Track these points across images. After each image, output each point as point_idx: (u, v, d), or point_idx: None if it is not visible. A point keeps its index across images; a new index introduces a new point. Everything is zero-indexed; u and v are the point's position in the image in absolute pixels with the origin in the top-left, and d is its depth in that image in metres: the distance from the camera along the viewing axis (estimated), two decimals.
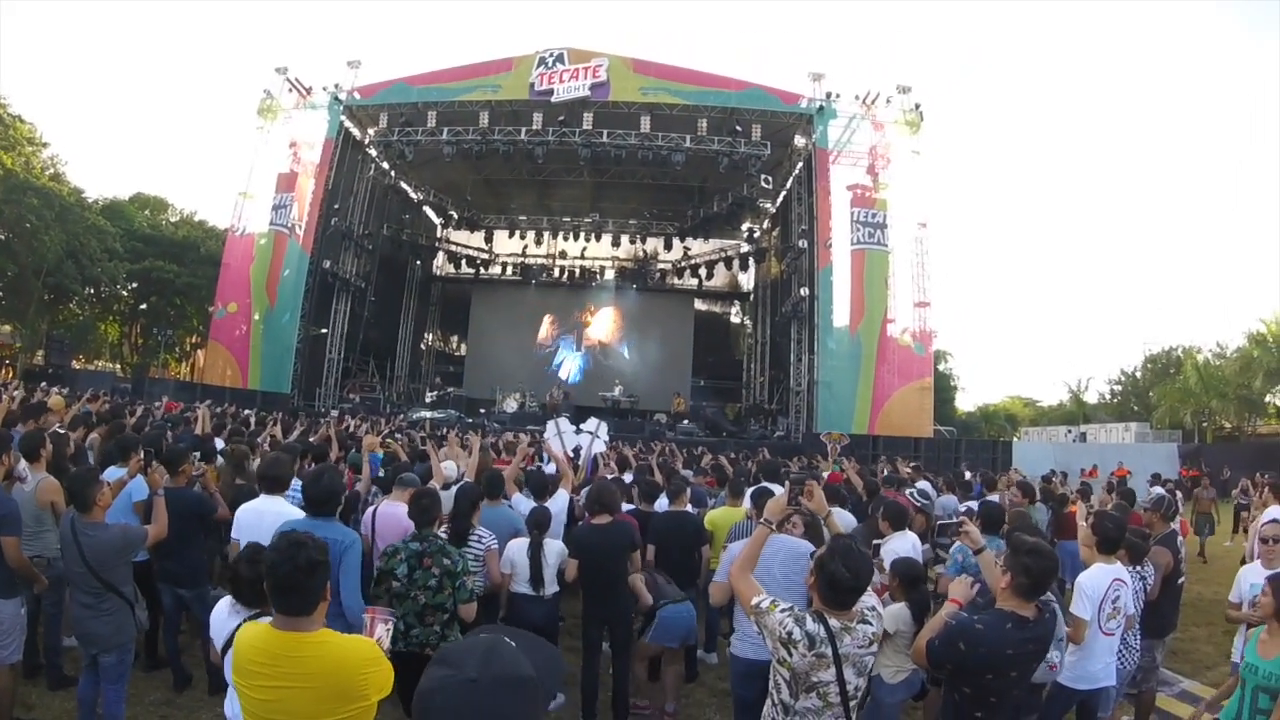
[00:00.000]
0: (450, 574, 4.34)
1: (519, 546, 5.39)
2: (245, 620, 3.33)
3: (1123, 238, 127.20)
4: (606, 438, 11.00)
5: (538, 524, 5.43)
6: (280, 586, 2.53)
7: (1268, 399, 34.90)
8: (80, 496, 4.49)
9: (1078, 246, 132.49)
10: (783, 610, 3.01)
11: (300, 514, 4.72)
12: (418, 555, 4.34)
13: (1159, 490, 11.11)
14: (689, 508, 6.55)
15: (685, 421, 25.78)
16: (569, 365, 31.86)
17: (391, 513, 5.36)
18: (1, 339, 34.24)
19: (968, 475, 13.27)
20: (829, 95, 24.30)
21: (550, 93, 24.50)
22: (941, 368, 45.28)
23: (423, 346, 35.08)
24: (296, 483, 5.45)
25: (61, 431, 7.47)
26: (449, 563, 4.36)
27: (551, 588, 5.42)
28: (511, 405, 25.57)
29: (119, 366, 40.30)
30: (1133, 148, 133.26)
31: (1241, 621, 4.91)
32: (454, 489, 5.71)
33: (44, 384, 14.98)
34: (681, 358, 31.27)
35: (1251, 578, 4.86)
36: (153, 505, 4.88)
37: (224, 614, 3.51)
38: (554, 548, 5.49)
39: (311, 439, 9.72)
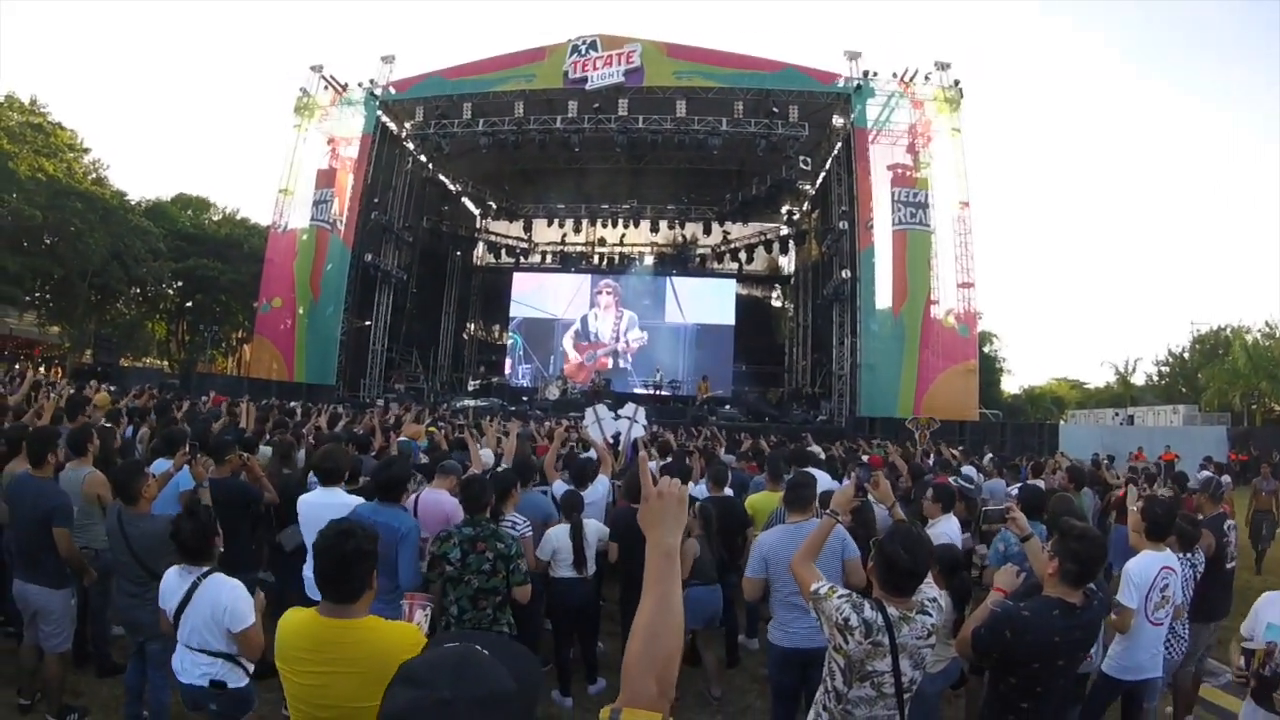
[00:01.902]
0: (504, 557, 4.37)
1: (560, 531, 5.42)
2: (195, 580, 3.50)
3: (1171, 215, 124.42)
4: (645, 422, 11.00)
5: (571, 507, 5.47)
6: (326, 575, 2.59)
7: None
8: (126, 489, 4.59)
9: (1125, 224, 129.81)
10: (840, 596, 2.97)
11: (356, 501, 4.83)
12: (471, 540, 4.37)
13: (1206, 473, 10.87)
14: (727, 493, 6.52)
15: (727, 407, 25.68)
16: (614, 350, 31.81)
17: (434, 499, 5.41)
18: (50, 340, 35.01)
19: (987, 458, 13.08)
20: (866, 74, 24.00)
21: (584, 80, 24.45)
22: (986, 350, 44.61)
23: (465, 336, 35.25)
24: None
25: (109, 426, 7.62)
26: (502, 546, 4.38)
27: (591, 568, 5.45)
28: (554, 393, 25.62)
29: (166, 363, 41.15)
30: (1182, 123, 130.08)
31: (1239, 681, 3.63)
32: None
33: (92, 382, 15.25)
34: (722, 342, 31.06)
35: (1272, 615, 3.61)
36: (199, 496, 4.98)
37: (174, 578, 3.61)
38: (593, 528, 5.58)
39: (357, 429, 9.82)
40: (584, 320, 31.82)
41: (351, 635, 2.54)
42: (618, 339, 31.55)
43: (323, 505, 4.70)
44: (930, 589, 3.11)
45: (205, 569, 3.59)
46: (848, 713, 2.94)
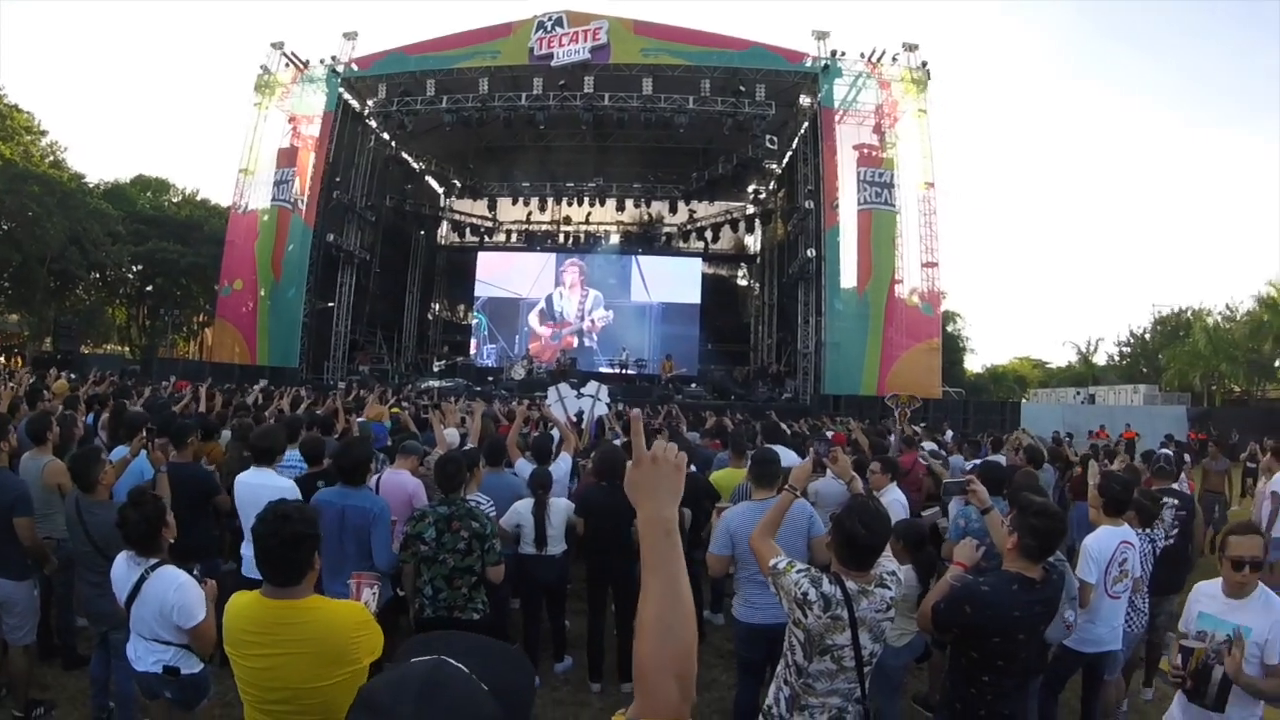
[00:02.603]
0: (479, 536, 4.38)
1: (525, 505, 5.42)
2: (145, 570, 3.44)
3: (1133, 198, 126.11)
4: (608, 400, 11.02)
5: (541, 484, 5.45)
6: (267, 560, 2.58)
7: (1277, 363, 34.52)
8: (83, 476, 4.53)
9: (1088, 207, 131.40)
10: (799, 571, 2.99)
11: (291, 485, 4.77)
12: (446, 519, 4.38)
13: (1166, 451, 11.02)
14: (691, 469, 6.53)
15: (693, 385, 25.73)
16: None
17: (396, 480, 5.38)
18: (9, 328, 34.36)
19: (948, 435, 13.22)
20: (834, 54, 23.99)
21: (550, 57, 24.19)
22: (950, 329, 45.08)
23: (429, 316, 34.99)
24: (294, 454, 5.49)
25: (70, 414, 7.51)
26: (477, 525, 4.39)
27: (557, 546, 5.46)
28: (519, 373, 25.52)
29: (128, 349, 40.49)
30: (1144, 106, 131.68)
31: (1175, 681, 3.43)
32: None
33: (53, 370, 14.98)
34: (688, 321, 31.07)
35: (1205, 604, 3.55)
36: (156, 483, 4.90)
37: (123, 567, 3.55)
38: (559, 505, 5.57)
39: (319, 411, 9.71)
40: (549, 300, 31.62)
41: (296, 616, 2.53)
42: (583, 318, 31.40)
43: (258, 486, 4.67)
44: (889, 562, 3.13)
45: (153, 561, 3.51)
46: (809, 686, 2.95)
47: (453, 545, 4.33)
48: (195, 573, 5.40)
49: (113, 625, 4.23)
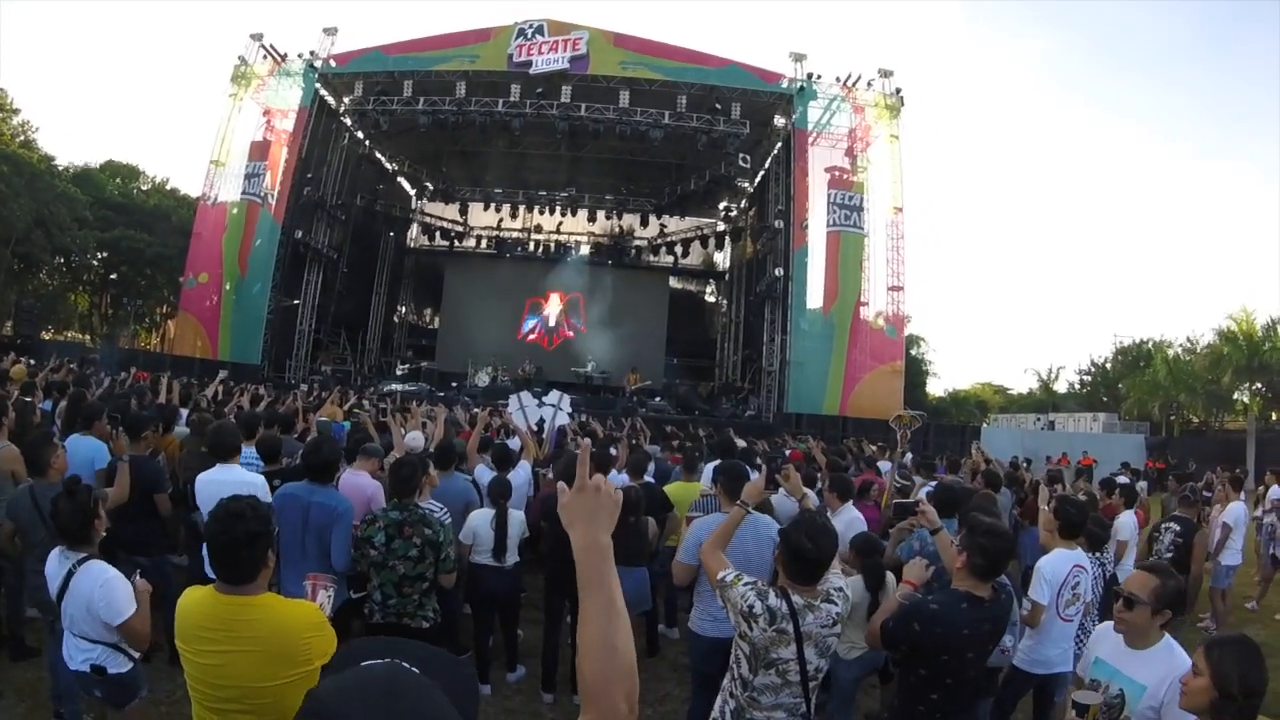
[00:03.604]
0: (432, 544, 4.32)
1: (482, 517, 5.38)
2: (73, 565, 3.38)
3: (1096, 229, 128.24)
4: (569, 410, 11.00)
5: (501, 494, 5.42)
6: (219, 558, 2.57)
7: (1235, 395, 35.15)
8: (35, 460, 4.56)
9: (1052, 236, 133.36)
10: (746, 584, 3.01)
11: (260, 480, 4.74)
12: (398, 525, 4.32)
13: (1123, 479, 11.18)
14: (648, 480, 6.56)
15: (657, 399, 25.75)
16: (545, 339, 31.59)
17: (354, 482, 5.32)
18: None
19: (907, 457, 13.31)
20: (810, 76, 24.21)
21: (529, 64, 24.21)
22: (914, 352, 45.50)
23: (395, 319, 34.75)
24: (249, 450, 5.45)
25: (28, 400, 7.41)
26: (430, 532, 4.33)
27: (513, 558, 5.41)
28: (484, 379, 25.42)
29: (89, 337, 39.73)
30: (1108, 140, 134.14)
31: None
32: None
33: (11, 354, 14.72)
34: (655, 335, 31.09)
35: (1102, 649, 3.20)
36: (116, 471, 4.87)
37: (54, 562, 3.49)
38: (516, 518, 5.51)
39: (279, 409, 9.63)
40: (517, 308, 31.60)
41: (249, 613, 2.51)
42: (550, 327, 31.41)
43: (224, 483, 4.58)
44: (837, 578, 3.16)
45: (82, 555, 3.44)
46: (753, 700, 2.97)
47: (404, 552, 4.26)
48: (140, 567, 5.39)
49: (58, 616, 4.19)
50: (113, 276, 39.03)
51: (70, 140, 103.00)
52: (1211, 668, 2.40)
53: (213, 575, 2.66)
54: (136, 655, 3.49)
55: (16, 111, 33.20)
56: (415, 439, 7.15)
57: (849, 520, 5.51)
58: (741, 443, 11.19)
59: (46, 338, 31.03)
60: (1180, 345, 42.07)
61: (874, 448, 12.72)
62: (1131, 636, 3.05)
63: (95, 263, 37.93)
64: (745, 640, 2.95)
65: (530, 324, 31.69)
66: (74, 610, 3.37)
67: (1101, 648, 3.20)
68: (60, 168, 35.05)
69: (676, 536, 5.55)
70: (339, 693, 0.94)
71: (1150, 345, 46.00)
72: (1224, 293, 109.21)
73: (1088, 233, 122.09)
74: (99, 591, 3.31)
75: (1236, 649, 2.45)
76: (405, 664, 1.03)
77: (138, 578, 3.54)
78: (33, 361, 14.31)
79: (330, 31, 26.16)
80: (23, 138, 32.89)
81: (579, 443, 9.51)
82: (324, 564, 4.29)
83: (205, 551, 4.52)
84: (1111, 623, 3.17)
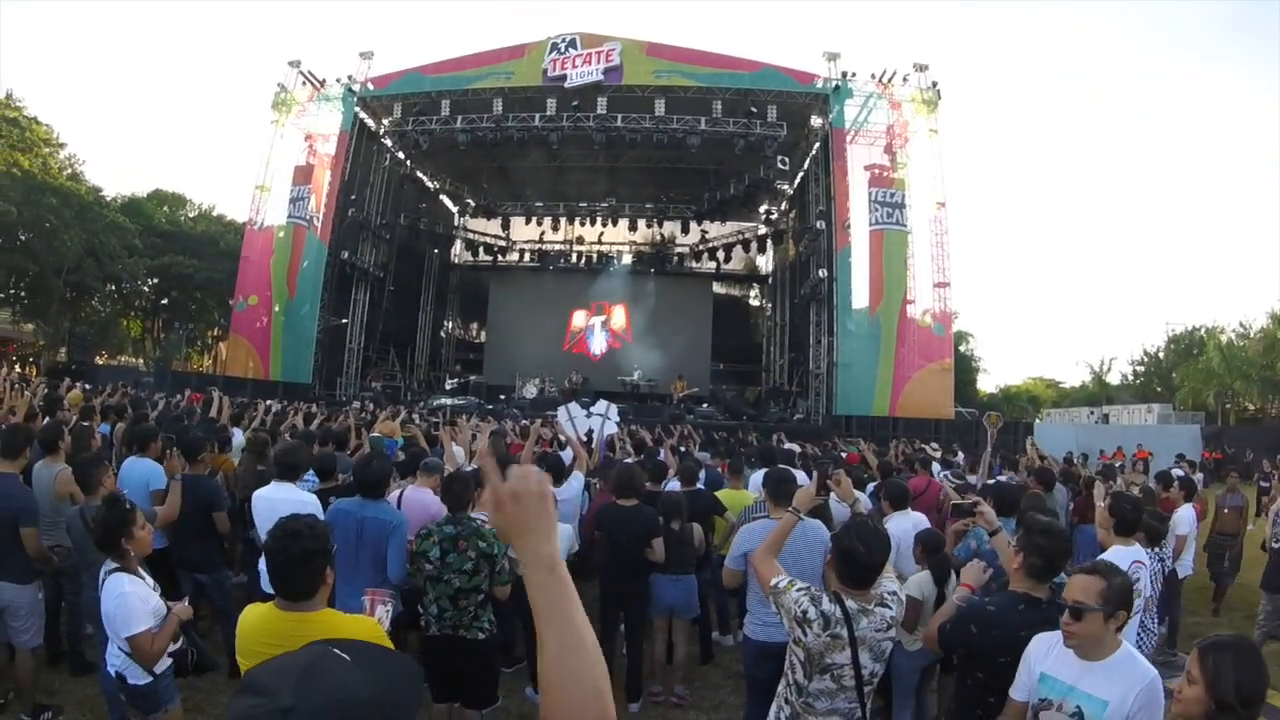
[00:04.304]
0: (487, 556, 4.36)
1: None
2: (105, 574, 3.51)
3: (1147, 215, 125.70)
4: (616, 419, 11.02)
5: None
6: (278, 575, 2.66)
7: None
8: (86, 480, 4.70)
9: (1101, 224, 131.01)
10: (799, 589, 3.02)
11: (313, 499, 4.83)
12: (452, 539, 4.36)
13: (1179, 471, 10.95)
14: (699, 487, 6.57)
15: (704, 405, 25.69)
16: (592, 349, 31.74)
17: (418, 499, 5.40)
18: (24, 337, 34.61)
19: (960, 456, 13.13)
20: (845, 75, 24.01)
21: (563, 78, 24.36)
22: (963, 349, 44.99)
23: (442, 334, 35.08)
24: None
25: (86, 424, 7.61)
26: (485, 545, 4.36)
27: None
28: (531, 391, 25.57)
29: (142, 361, 40.70)
30: (1157, 123, 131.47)
31: None
32: None
33: (67, 380, 15.13)
34: (700, 341, 31.03)
35: (1045, 663, 2.86)
36: (168, 490, 5.01)
37: (102, 572, 3.60)
38: (563, 532, 5.50)
39: (333, 426, 9.79)
40: (562, 320, 31.80)
41: (309, 629, 2.56)
42: (596, 337, 31.57)
43: (279, 500, 4.70)
44: (891, 582, 3.15)
45: (113, 566, 3.55)
46: (809, 705, 2.97)
47: (459, 565, 4.31)
48: (200, 585, 5.51)
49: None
50: (163, 302, 39.98)
51: (117, 172, 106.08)
52: (1206, 674, 2.21)
53: (270, 591, 2.73)
54: (157, 670, 3.55)
55: (63, 146, 34.13)
56: (457, 454, 7.24)
57: (905, 526, 5.44)
58: (796, 447, 11.17)
59: (100, 363, 31.79)
60: (1234, 331, 41.12)
61: (925, 448, 12.54)
62: (1085, 649, 2.72)
63: (146, 289, 38.87)
64: (800, 646, 2.96)
65: (575, 335, 31.80)
66: (102, 618, 3.51)
67: (1046, 662, 2.84)
68: (108, 198, 35.98)
69: (728, 544, 5.55)
70: (269, 672, 1.03)
71: (1203, 332, 44.95)
72: (1276, 276, 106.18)
73: (1138, 220, 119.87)
74: (113, 603, 3.42)
75: (1234, 653, 2.24)
76: (334, 650, 1.09)
77: (184, 603, 3.64)
78: (88, 387, 14.67)
79: (366, 55, 26.55)
80: (70, 171, 33.79)
81: (629, 451, 9.59)
82: (379, 578, 4.36)
83: (262, 568, 4.68)
84: (1049, 634, 2.87)
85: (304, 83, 26.67)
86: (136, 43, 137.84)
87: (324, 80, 26.59)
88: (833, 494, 4.68)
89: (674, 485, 6.70)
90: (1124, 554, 4.50)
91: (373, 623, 2.77)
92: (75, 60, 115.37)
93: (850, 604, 2.92)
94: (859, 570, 2.99)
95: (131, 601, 3.41)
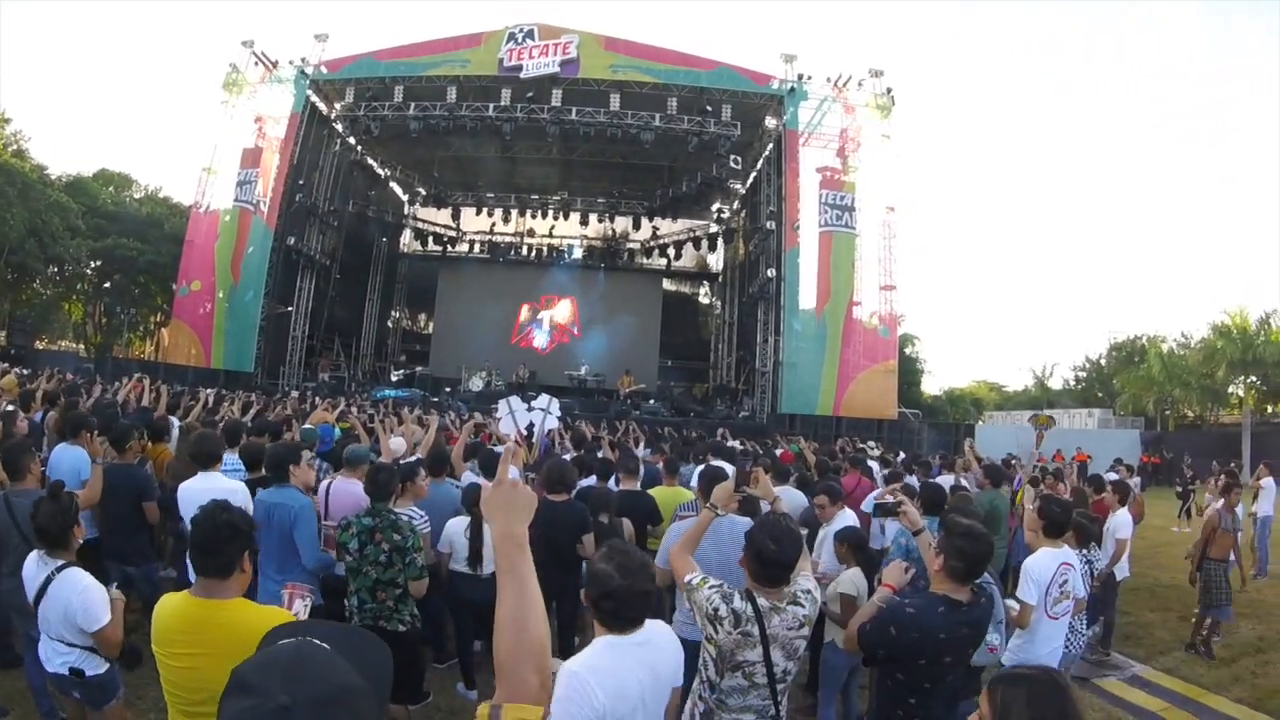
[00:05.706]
0: (400, 550, 4.34)
1: (458, 525, 5.37)
2: (52, 571, 3.43)
3: (1090, 225, 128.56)
4: (558, 414, 10.99)
5: (475, 501, 5.41)
6: (201, 547, 2.61)
7: (1230, 389, 35.15)
8: (13, 464, 4.56)
9: (1045, 233, 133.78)
10: (711, 587, 3.00)
11: (240, 486, 4.74)
12: (369, 530, 4.35)
13: (1114, 475, 11.19)
14: (636, 487, 6.52)
15: (651, 401, 25.72)
16: (539, 342, 31.58)
17: (347, 489, 5.36)
18: None
19: (899, 456, 13.30)
20: (800, 77, 24.20)
21: (519, 69, 24.20)
22: (908, 351, 45.46)
23: (389, 324, 34.72)
24: (231, 458, 5.46)
25: (12, 410, 7.40)
26: (398, 538, 4.35)
27: (490, 566, 5.39)
28: (477, 384, 25.36)
29: (83, 347, 39.66)
30: (1101, 137, 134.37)
31: None
32: None
33: (4, 365, 14.70)
34: (649, 337, 31.03)
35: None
36: (90, 476, 4.91)
37: (32, 565, 3.53)
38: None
39: (270, 417, 9.64)
40: (511, 312, 31.61)
41: (220, 616, 2.54)
42: (543, 331, 31.45)
43: (200, 490, 4.60)
44: (805, 580, 3.13)
45: (61, 562, 3.48)
46: (721, 702, 2.97)
47: (375, 557, 4.30)
48: (128, 578, 5.37)
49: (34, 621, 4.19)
50: (106, 285, 38.89)
51: (62, 150, 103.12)
52: (994, 710, 1.91)
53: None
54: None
55: (8, 121, 33.09)
56: (397, 445, 7.15)
57: (840, 523, 5.46)
58: (738, 444, 11.19)
59: (40, 348, 30.94)
60: (1174, 341, 42.18)
61: (862, 446, 12.67)
62: None
63: (89, 271, 37.76)
64: (711, 643, 2.95)
65: (524, 328, 31.62)
66: (51, 615, 3.41)
67: None
68: (53, 177, 34.95)
69: (656, 540, 5.53)
70: (256, 668, 1.05)
71: (1144, 341, 46.13)
72: (1217, 290, 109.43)
73: (1083, 230, 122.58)
74: (77, 599, 3.35)
75: (1029, 688, 1.91)
76: (315, 640, 1.12)
77: (114, 588, 3.57)
78: (25, 372, 14.26)
79: (321, 38, 26.10)
80: (15, 147, 32.76)
81: (568, 446, 9.55)
82: (295, 565, 4.31)
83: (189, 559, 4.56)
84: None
85: (256, 64, 26.10)
86: (85, 17, 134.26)
87: (276, 61, 26.05)
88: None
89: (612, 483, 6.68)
90: (1052, 556, 4.58)
91: (285, 613, 2.72)
92: (21, 35, 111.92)
93: (762, 602, 2.92)
94: (770, 568, 2.98)
95: (95, 595, 3.38)
